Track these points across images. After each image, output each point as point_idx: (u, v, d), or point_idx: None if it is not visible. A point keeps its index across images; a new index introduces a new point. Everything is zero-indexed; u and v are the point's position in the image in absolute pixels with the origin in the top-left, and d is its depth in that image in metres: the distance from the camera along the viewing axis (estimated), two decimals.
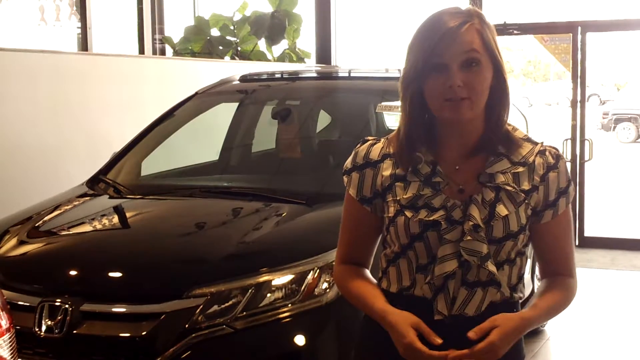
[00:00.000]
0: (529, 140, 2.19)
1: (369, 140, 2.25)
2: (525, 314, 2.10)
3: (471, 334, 2.01)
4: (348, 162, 2.25)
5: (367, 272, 2.28)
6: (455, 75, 2.03)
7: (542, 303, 2.15)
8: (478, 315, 2.09)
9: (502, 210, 2.08)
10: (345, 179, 2.24)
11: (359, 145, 2.25)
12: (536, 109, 26.04)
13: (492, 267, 2.08)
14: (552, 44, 8.81)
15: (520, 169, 2.13)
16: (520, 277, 2.19)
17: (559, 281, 2.20)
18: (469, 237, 2.06)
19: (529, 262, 4.32)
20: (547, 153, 2.16)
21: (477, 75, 2.05)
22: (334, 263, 2.33)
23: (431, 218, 2.08)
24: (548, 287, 2.19)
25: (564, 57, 8.76)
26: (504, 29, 8.70)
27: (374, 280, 2.25)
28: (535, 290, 2.23)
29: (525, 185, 2.12)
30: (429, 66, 2.05)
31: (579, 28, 8.61)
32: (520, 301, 2.20)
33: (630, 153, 19.67)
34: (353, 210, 2.24)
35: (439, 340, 2.01)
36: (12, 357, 2.49)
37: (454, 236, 2.07)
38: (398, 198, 2.12)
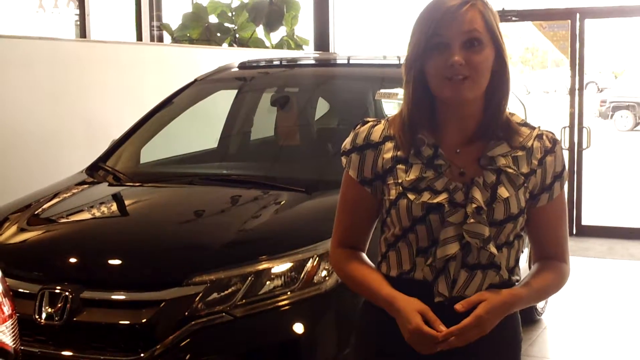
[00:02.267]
0: (526, 125, 2.21)
1: (369, 121, 2.25)
2: (514, 291, 2.12)
3: (458, 306, 2.04)
4: (347, 143, 2.24)
5: (365, 257, 2.27)
6: (456, 52, 2.04)
7: (534, 283, 2.17)
8: None
9: (503, 192, 2.10)
10: (344, 159, 2.23)
11: (359, 126, 2.24)
12: (534, 97, 26.02)
13: (493, 249, 2.09)
14: (550, 31, 8.81)
15: (520, 153, 2.15)
16: (517, 260, 2.21)
17: (552, 265, 2.22)
18: (472, 220, 2.07)
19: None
20: (544, 137, 2.19)
21: (479, 54, 2.06)
22: (330, 247, 2.31)
23: (435, 201, 2.08)
24: (540, 269, 2.22)
25: (562, 44, 8.75)
26: (503, 16, 8.68)
27: (373, 265, 2.25)
28: (529, 271, 2.26)
29: (525, 169, 2.15)
30: (431, 46, 2.07)
31: (578, 14, 8.61)
32: (517, 283, 2.21)
33: (627, 141, 19.66)
34: (352, 192, 2.23)
35: (443, 328, 2.01)
36: (14, 344, 2.50)
37: (457, 219, 2.08)
38: (400, 180, 2.13)
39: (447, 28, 2.05)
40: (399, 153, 2.15)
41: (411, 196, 2.10)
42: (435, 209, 2.09)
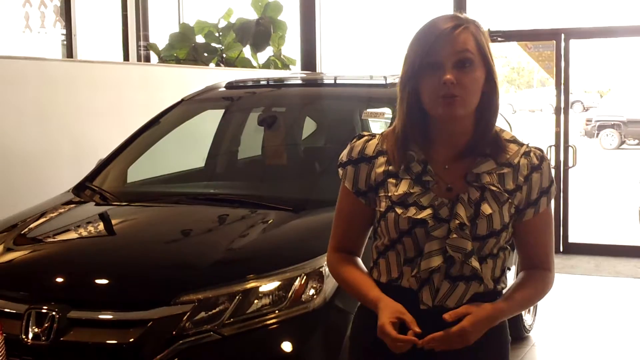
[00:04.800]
0: (515, 141, 2.29)
1: (364, 135, 2.35)
2: (498, 305, 2.20)
3: (446, 315, 2.13)
4: (344, 156, 2.35)
5: (360, 261, 2.38)
6: (448, 71, 2.13)
7: (517, 295, 2.26)
8: (458, 307, 2.18)
9: (486, 209, 2.18)
10: (340, 171, 2.35)
11: (354, 140, 2.35)
12: (520, 116, 26.16)
13: (475, 263, 2.18)
14: (535, 51, 8.86)
15: (506, 170, 2.23)
16: (504, 270, 2.30)
17: (536, 275, 2.30)
18: (454, 235, 2.16)
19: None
20: (531, 154, 2.27)
21: (470, 75, 2.15)
22: (327, 251, 2.42)
23: (419, 216, 2.18)
24: (525, 280, 2.30)
25: (547, 64, 8.81)
26: (489, 36, 8.73)
27: (366, 270, 2.35)
28: (514, 281, 2.34)
29: (510, 185, 2.23)
30: (425, 65, 2.16)
31: (563, 35, 8.66)
32: (502, 291, 2.30)
33: (613, 159, 19.79)
34: (348, 201, 2.34)
35: (417, 330, 2.10)
36: None
37: (441, 233, 2.17)
38: (389, 194, 2.23)
39: (441, 49, 2.15)
40: (390, 168, 2.25)
41: (398, 210, 2.20)
42: (420, 223, 2.18)
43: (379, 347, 2.24)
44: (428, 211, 2.18)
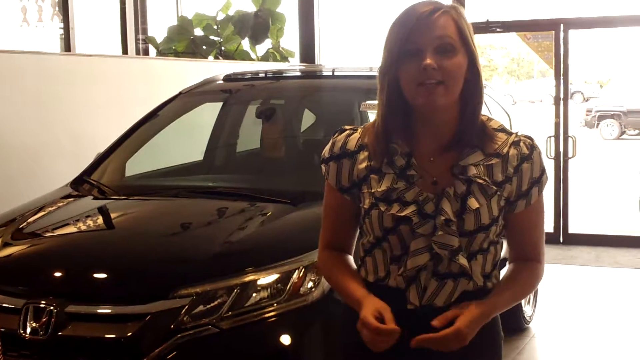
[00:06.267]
0: (503, 130, 2.20)
1: (346, 130, 2.27)
2: (489, 301, 2.13)
3: (435, 322, 2.05)
4: (325, 151, 2.27)
5: (350, 259, 2.31)
6: (428, 57, 2.04)
7: (508, 290, 2.19)
8: (447, 306, 2.12)
9: (473, 203, 2.10)
10: (323, 167, 2.27)
11: (336, 134, 2.27)
12: (520, 107, 26.13)
13: (462, 261, 2.10)
14: (535, 42, 8.85)
15: (494, 161, 2.14)
16: (495, 265, 2.22)
17: (527, 267, 2.23)
18: (440, 232, 2.08)
19: None
20: (521, 144, 2.18)
21: (452, 60, 2.06)
22: (318, 249, 2.35)
23: (403, 213, 2.10)
24: (515, 273, 2.23)
25: (547, 55, 8.80)
26: (487, 27, 8.73)
27: (355, 268, 2.28)
28: (504, 274, 2.27)
29: (498, 177, 2.14)
30: (404, 53, 2.07)
31: (562, 25, 8.65)
32: (493, 287, 2.22)
33: (613, 150, 19.77)
34: (333, 198, 2.26)
35: (394, 327, 2.02)
36: None
37: (426, 230, 2.09)
38: (372, 190, 2.15)
39: (420, 34, 2.06)
40: (372, 163, 2.17)
41: (382, 207, 2.12)
42: (405, 220, 2.10)
43: (363, 348, 2.16)
44: (412, 208, 2.09)
